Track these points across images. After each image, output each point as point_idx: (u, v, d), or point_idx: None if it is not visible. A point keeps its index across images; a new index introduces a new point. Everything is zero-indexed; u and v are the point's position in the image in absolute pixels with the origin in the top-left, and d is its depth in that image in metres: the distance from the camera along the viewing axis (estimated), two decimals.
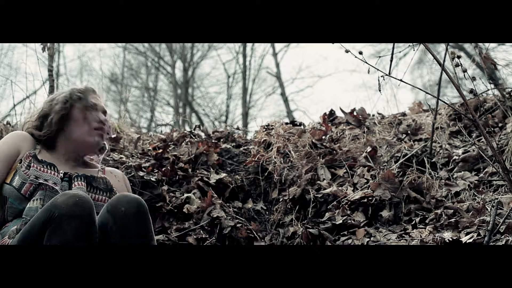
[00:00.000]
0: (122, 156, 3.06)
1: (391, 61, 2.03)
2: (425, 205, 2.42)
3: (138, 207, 1.60)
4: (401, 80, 2.09)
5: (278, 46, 15.79)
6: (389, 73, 2.02)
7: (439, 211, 2.26)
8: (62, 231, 1.50)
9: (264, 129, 3.43)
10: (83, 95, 1.96)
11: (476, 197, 2.40)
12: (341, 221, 2.38)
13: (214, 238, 2.49)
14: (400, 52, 2.66)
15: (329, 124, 3.48)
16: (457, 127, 3.15)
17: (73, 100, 1.95)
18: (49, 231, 1.51)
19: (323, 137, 3.20)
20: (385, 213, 2.41)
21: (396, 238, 2.17)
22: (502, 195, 2.30)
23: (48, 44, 3.27)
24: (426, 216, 2.31)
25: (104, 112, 2.03)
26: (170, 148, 3.21)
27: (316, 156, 2.97)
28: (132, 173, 2.83)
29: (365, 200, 2.48)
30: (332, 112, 3.73)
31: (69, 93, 1.98)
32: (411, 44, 2.15)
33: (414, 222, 2.29)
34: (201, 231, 2.51)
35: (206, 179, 2.86)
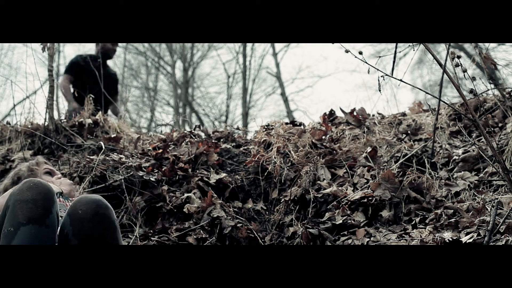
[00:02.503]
0: (122, 156, 3.06)
1: (394, 62, 2.03)
2: (425, 205, 2.42)
3: (96, 208, 1.51)
4: (401, 80, 2.09)
5: (278, 46, 15.80)
6: (392, 73, 2.02)
7: (439, 211, 2.26)
8: (14, 214, 1.50)
9: (264, 129, 3.43)
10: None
11: (476, 197, 2.40)
12: (341, 221, 2.38)
13: (214, 238, 2.49)
14: (400, 52, 2.66)
15: (329, 124, 3.48)
16: (457, 127, 3.15)
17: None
18: (6, 218, 1.52)
19: (323, 137, 3.20)
20: (385, 213, 2.41)
21: (396, 238, 2.17)
22: (502, 195, 2.30)
23: (48, 44, 3.27)
24: (426, 216, 2.31)
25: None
26: (170, 148, 3.21)
27: (316, 156, 2.97)
28: (132, 173, 2.84)
29: (365, 200, 2.48)
30: (332, 112, 3.72)
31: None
32: (411, 44, 2.15)
33: (414, 222, 2.29)
34: (201, 231, 2.51)
35: (206, 179, 2.86)
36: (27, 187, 1.54)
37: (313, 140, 3.09)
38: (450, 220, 2.12)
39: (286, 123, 3.54)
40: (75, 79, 4.61)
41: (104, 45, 4.81)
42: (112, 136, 3.32)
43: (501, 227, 1.91)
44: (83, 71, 4.56)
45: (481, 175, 2.59)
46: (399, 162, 2.83)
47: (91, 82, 4.39)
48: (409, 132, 3.25)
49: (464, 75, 2.12)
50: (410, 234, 2.15)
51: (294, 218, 2.65)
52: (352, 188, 2.68)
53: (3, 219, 1.54)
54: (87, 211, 1.51)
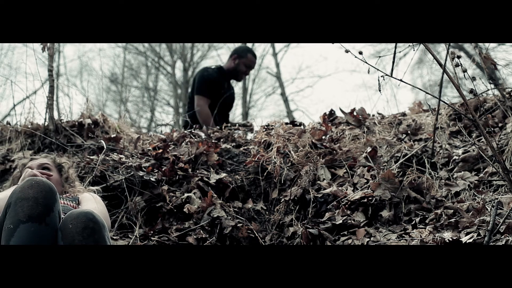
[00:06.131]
0: (122, 156, 3.06)
1: (393, 62, 2.03)
2: (425, 205, 2.42)
3: (85, 222, 1.54)
4: (401, 80, 2.09)
5: (278, 46, 15.77)
6: (392, 73, 2.01)
7: (439, 211, 2.26)
8: (15, 212, 1.51)
9: (264, 129, 3.43)
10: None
11: (476, 197, 2.40)
12: (341, 221, 2.38)
13: (214, 238, 2.49)
14: (400, 52, 2.66)
15: (329, 124, 3.48)
16: (457, 127, 3.15)
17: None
18: (7, 215, 1.54)
19: (323, 137, 3.20)
20: (385, 213, 2.41)
21: (396, 238, 2.17)
22: (502, 195, 2.30)
23: (48, 44, 3.27)
24: (426, 216, 2.31)
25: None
26: (170, 148, 3.21)
27: (316, 156, 2.97)
28: (132, 173, 2.83)
29: (365, 200, 2.48)
30: (332, 112, 3.72)
31: None
32: (411, 44, 2.15)
33: (414, 222, 2.29)
34: (201, 231, 2.51)
35: (206, 179, 2.86)
36: (29, 185, 1.55)
37: (313, 140, 3.09)
38: (450, 220, 2.12)
39: (286, 123, 3.54)
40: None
41: (238, 64, 4.32)
42: (112, 136, 3.32)
43: (501, 227, 1.91)
44: (215, 84, 4.23)
45: (481, 175, 2.59)
46: (399, 162, 2.83)
47: (216, 98, 4.13)
48: (409, 132, 3.25)
49: (464, 75, 2.12)
50: (410, 234, 2.15)
51: (294, 218, 2.65)
52: (352, 188, 2.68)
53: (5, 216, 1.55)
54: (77, 225, 1.54)
